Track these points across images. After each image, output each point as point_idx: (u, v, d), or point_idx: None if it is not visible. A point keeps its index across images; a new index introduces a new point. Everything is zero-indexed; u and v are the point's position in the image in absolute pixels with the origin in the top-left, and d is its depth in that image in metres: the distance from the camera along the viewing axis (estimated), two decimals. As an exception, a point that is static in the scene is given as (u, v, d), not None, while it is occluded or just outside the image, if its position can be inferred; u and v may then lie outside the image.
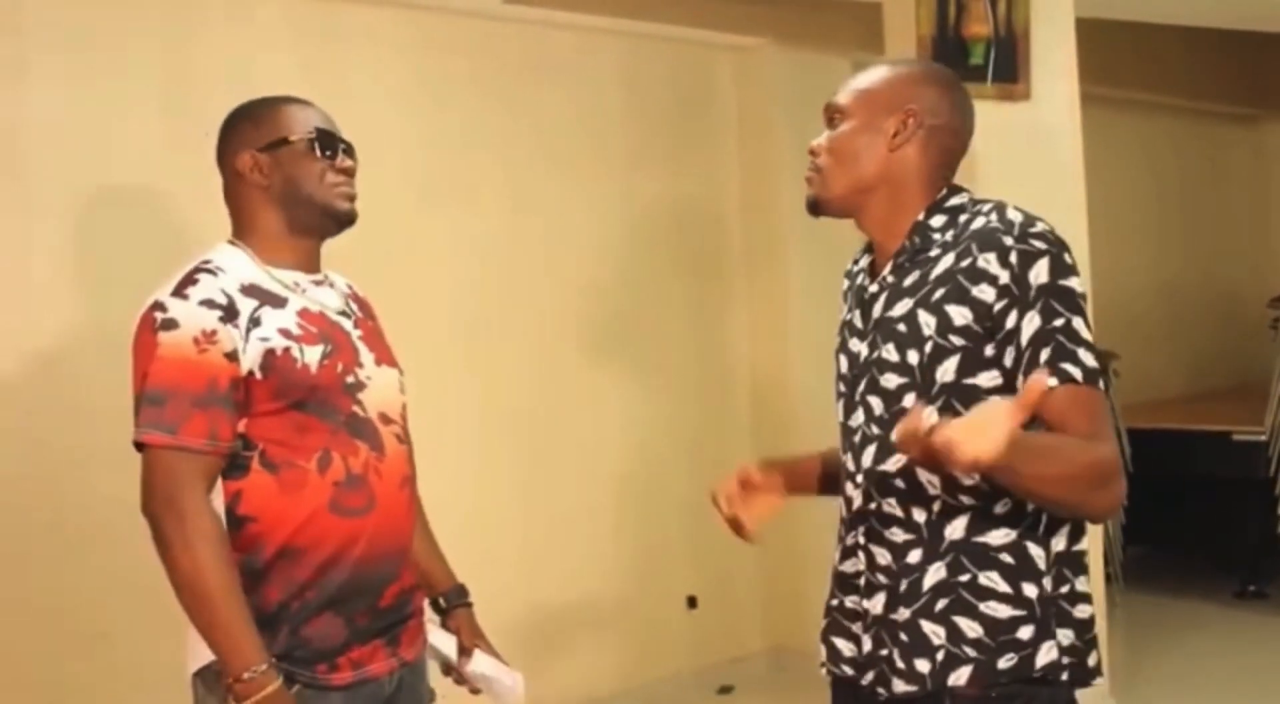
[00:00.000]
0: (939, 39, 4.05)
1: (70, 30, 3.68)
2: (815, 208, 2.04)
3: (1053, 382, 1.74)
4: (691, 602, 5.07)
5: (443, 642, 2.34)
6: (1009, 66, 4.11)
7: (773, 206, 5.15)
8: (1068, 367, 1.78)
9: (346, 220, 2.21)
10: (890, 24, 4.37)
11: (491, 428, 4.53)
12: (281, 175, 2.14)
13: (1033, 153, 4.19)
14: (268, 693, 1.93)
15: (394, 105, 4.32)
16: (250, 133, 2.15)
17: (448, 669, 2.36)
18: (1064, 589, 1.89)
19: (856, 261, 2.14)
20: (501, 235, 4.58)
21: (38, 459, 3.55)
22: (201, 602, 1.94)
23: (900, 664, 1.90)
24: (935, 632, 1.87)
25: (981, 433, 1.60)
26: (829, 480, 2.19)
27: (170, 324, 1.99)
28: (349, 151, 2.21)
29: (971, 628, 1.85)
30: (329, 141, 2.17)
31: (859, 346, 2.00)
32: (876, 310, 1.97)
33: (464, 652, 2.36)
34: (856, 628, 2.01)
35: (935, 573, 1.87)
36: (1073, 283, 1.83)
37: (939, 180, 1.99)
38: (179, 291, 2.02)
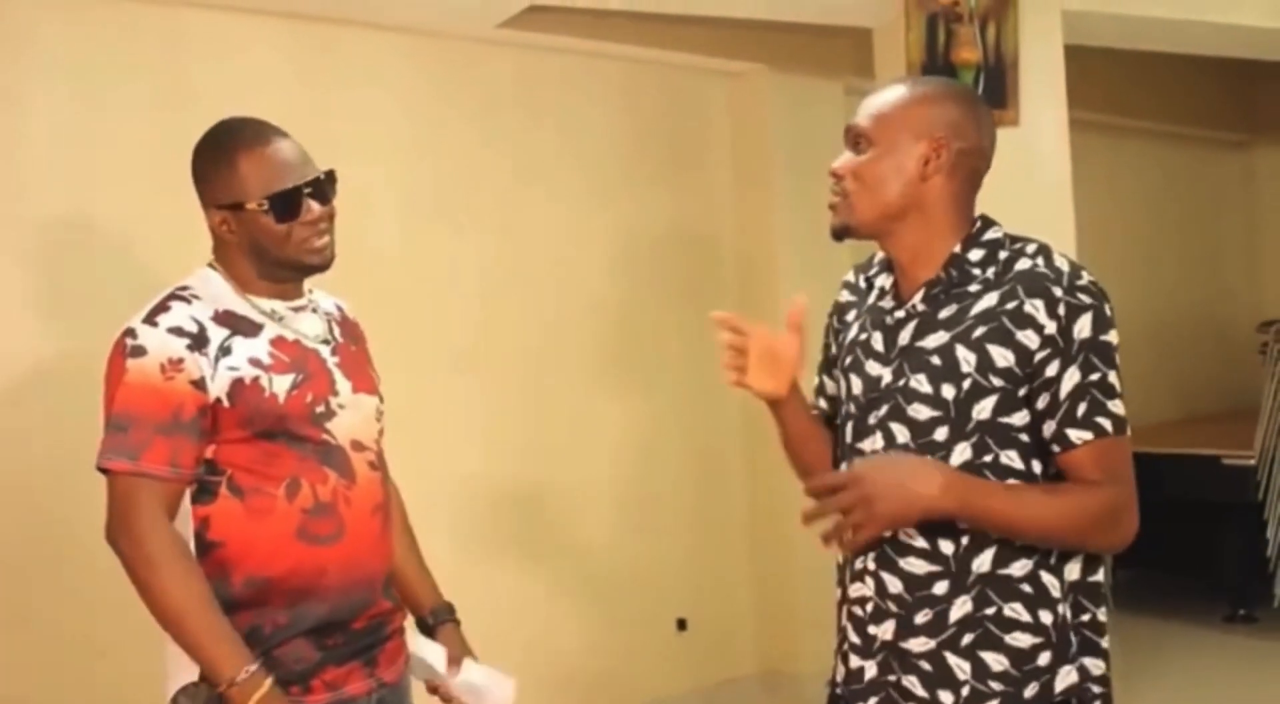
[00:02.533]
0: (929, 65, 4.08)
1: (64, 59, 3.71)
2: (841, 234, 2.01)
3: (1087, 435, 1.83)
4: (681, 624, 5.07)
5: (430, 653, 2.30)
6: (998, 92, 4.14)
7: (766, 229, 5.18)
8: (1100, 420, 1.84)
9: (319, 270, 2.17)
10: (881, 50, 4.41)
11: (486, 450, 4.54)
12: (247, 234, 2.10)
13: (1022, 178, 4.20)
14: (262, 694, 1.94)
15: (390, 129, 4.35)
16: (212, 185, 2.11)
17: (433, 688, 2.33)
18: (1085, 617, 1.91)
19: (867, 277, 2.11)
20: (497, 258, 4.60)
21: (32, 475, 3.57)
22: (175, 618, 1.95)
23: (921, 692, 1.89)
24: (960, 666, 1.86)
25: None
26: (802, 433, 2.19)
27: (139, 351, 2.00)
28: (317, 192, 2.13)
29: (998, 661, 1.85)
30: (285, 206, 2.08)
31: (879, 370, 1.97)
32: (904, 337, 1.95)
33: (453, 661, 2.33)
34: (853, 654, 1.99)
35: (962, 606, 1.87)
36: (1111, 336, 1.87)
37: (967, 203, 1.98)
38: (150, 318, 2.03)
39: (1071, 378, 1.83)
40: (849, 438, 2.02)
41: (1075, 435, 1.83)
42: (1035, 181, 4.28)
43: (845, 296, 2.17)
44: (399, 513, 2.38)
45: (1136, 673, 5.29)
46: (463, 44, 4.51)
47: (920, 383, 1.90)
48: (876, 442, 1.95)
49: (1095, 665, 1.91)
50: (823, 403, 2.21)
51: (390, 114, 4.37)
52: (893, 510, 1.77)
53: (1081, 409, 1.83)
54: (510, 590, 4.53)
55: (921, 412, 1.90)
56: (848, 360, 2.06)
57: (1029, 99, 4.22)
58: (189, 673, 2.00)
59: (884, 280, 2.05)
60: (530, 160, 4.71)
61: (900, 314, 1.97)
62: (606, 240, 4.92)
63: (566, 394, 4.78)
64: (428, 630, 2.36)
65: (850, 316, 2.12)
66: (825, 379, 2.22)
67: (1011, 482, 1.87)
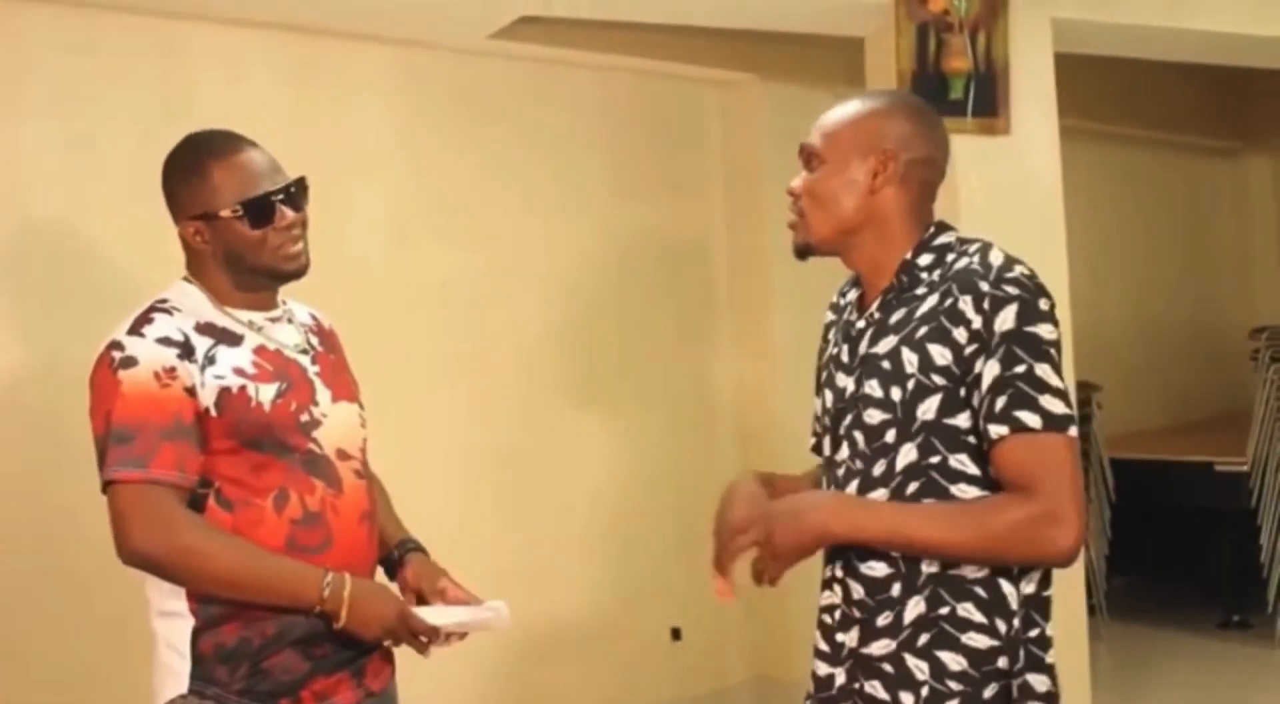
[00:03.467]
0: (919, 73, 4.08)
1: (59, 71, 3.71)
2: (803, 253, 2.05)
3: (1004, 430, 1.79)
4: (675, 633, 5.06)
5: (431, 614, 2.16)
6: (989, 101, 4.15)
7: (757, 239, 5.18)
8: (1022, 414, 1.79)
9: (294, 277, 2.18)
10: (872, 59, 4.41)
11: (475, 460, 4.53)
12: (221, 244, 2.11)
13: (1013, 186, 4.22)
14: (350, 590, 2.02)
15: (380, 140, 4.35)
16: (184, 197, 2.13)
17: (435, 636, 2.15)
18: (1033, 632, 1.89)
19: (844, 294, 2.14)
20: (488, 270, 4.59)
21: (24, 480, 3.57)
22: (240, 583, 1.98)
23: (883, 695, 1.90)
24: (919, 667, 1.87)
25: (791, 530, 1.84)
26: None
27: (129, 362, 2.00)
28: (290, 199, 2.14)
29: (956, 661, 1.85)
30: (259, 211, 2.10)
31: (845, 381, 1.99)
32: (863, 346, 1.97)
33: (432, 595, 2.24)
34: (821, 663, 2.01)
35: (915, 607, 1.88)
36: (1041, 329, 1.83)
37: (922, 212, 2.00)
38: (135, 330, 2.03)
39: (991, 370, 1.81)
40: (826, 450, 2.05)
41: (994, 430, 1.81)
42: (1025, 189, 4.29)
43: (829, 317, 2.20)
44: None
45: (1130, 680, 5.30)
46: (455, 55, 4.51)
47: (874, 388, 1.92)
48: (843, 451, 1.98)
49: (1040, 682, 1.88)
50: (817, 426, 2.23)
51: (383, 125, 4.37)
52: (789, 540, 1.86)
53: (1000, 403, 1.80)
54: (504, 600, 4.51)
55: (874, 416, 1.92)
56: (823, 376, 2.10)
57: (1019, 107, 4.24)
58: (176, 686, 2.01)
59: (853, 295, 2.09)
60: (521, 171, 4.71)
61: (861, 324, 2.00)
62: (598, 251, 4.92)
63: (557, 407, 4.77)
64: (393, 564, 2.31)
65: (832, 334, 2.15)
66: (817, 401, 2.24)
67: (967, 491, 1.86)
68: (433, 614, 2.15)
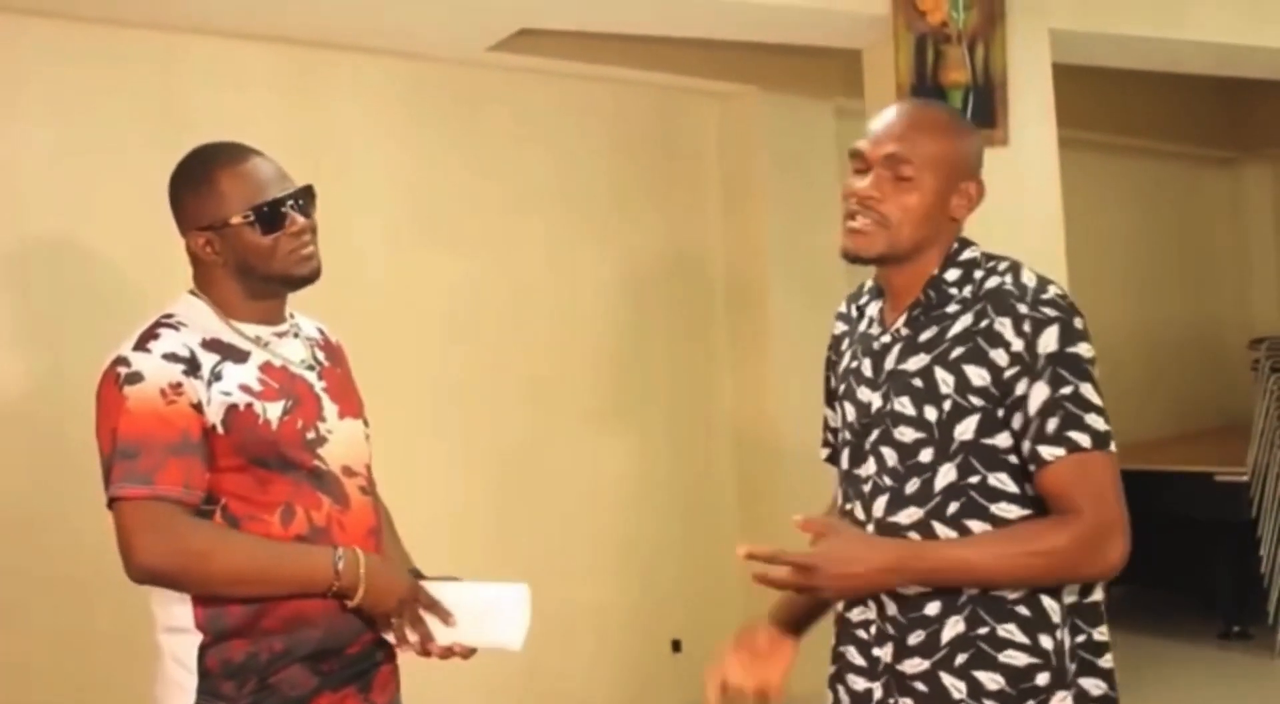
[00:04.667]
0: (918, 86, 4.09)
1: (56, 83, 3.73)
2: (869, 260, 1.98)
3: (1059, 452, 1.80)
4: (676, 645, 5.06)
5: (442, 590, 2.13)
6: (987, 113, 4.16)
7: (756, 251, 5.19)
8: (1074, 435, 1.81)
9: (308, 281, 2.17)
10: (870, 71, 4.42)
11: (474, 474, 4.53)
12: (232, 253, 2.10)
13: (1012, 198, 4.21)
14: (364, 567, 2.03)
15: (378, 153, 4.36)
16: (193, 208, 2.11)
17: (447, 651, 2.15)
18: (1081, 639, 1.90)
19: (862, 309, 2.10)
20: (485, 283, 4.60)
21: (20, 495, 3.56)
22: (255, 577, 1.98)
23: None
24: (955, 686, 1.86)
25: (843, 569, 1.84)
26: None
27: (135, 378, 1.98)
28: (300, 205, 2.13)
29: (993, 680, 1.85)
30: (270, 217, 2.09)
31: (869, 396, 1.98)
32: (889, 362, 1.96)
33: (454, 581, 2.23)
34: (858, 677, 2.00)
35: (954, 626, 1.87)
36: (1081, 349, 1.84)
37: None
38: (141, 346, 2.02)
39: (1040, 393, 1.81)
40: (845, 464, 2.04)
41: (1048, 452, 1.81)
42: (1024, 200, 4.29)
43: (839, 328, 2.18)
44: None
45: (1130, 690, 5.22)
46: (454, 67, 4.52)
47: (905, 406, 1.91)
48: (870, 467, 1.96)
49: (1095, 686, 1.90)
50: (829, 437, 2.21)
51: (381, 137, 4.38)
52: (840, 592, 1.93)
53: (1053, 424, 1.81)
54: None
55: (907, 434, 1.90)
56: (842, 389, 2.08)
57: (1017, 118, 4.24)
58: (182, 700, 2.00)
59: (873, 308, 2.06)
60: (520, 183, 4.72)
61: (886, 339, 1.98)
62: (597, 263, 4.92)
63: (555, 419, 4.77)
64: None
65: (844, 346, 2.13)
66: (828, 413, 2.22)
67: (1008, 509, 1.86)
68: (444, 590, 2.15)
